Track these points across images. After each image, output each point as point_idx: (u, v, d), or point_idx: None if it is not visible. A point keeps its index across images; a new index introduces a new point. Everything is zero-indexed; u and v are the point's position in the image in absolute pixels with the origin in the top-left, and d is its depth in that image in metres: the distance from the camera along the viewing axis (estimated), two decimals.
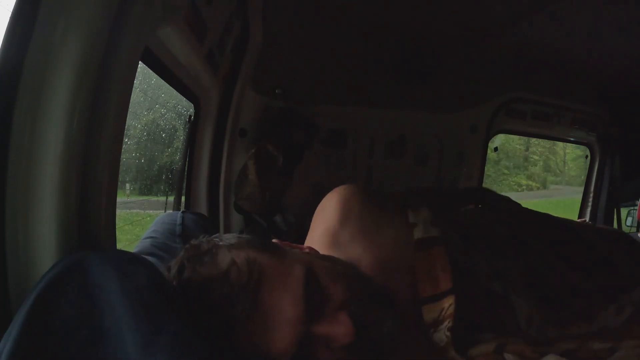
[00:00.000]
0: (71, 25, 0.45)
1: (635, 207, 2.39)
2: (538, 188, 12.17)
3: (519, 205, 0.91)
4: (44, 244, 0.45)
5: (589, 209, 2.21)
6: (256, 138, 1.56)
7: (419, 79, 1.64)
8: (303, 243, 0.66)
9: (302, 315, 0.45)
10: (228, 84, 1.37)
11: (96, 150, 0.50)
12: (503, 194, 0.97)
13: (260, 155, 1.48)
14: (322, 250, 0.60)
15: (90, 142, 0.48)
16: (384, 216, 0.64)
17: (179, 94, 1.19)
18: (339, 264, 0.55)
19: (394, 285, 0.55)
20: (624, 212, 2.23)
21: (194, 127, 1.34)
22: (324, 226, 0.64)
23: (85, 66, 0.46)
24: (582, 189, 2.31)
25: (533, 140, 10.64)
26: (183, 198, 1.43)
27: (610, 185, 2.14)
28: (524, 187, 11.94)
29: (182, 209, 1.36)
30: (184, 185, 1.41)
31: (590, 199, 2.21)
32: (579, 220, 2.06)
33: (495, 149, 2.54)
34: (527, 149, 12.33)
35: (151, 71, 0.94)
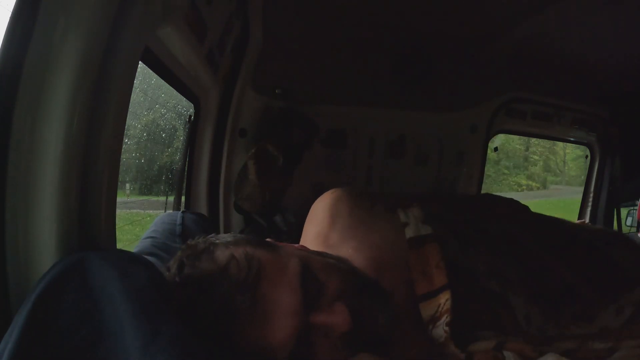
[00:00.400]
0: (71, 25, 0.45)
1: (635, 207, 2.39)
2: (538, 188, 12.18)
3: (525, 207, 0.89)
4: (44, 244, 0.45)
5: (589, 209, 2.21)
6: (256, 138, 1.56)
7: (419, 79, 1.64)
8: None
9: (300, 306, 0.46)
10: (228, 84, 1.37)
11: (96, 150, 0.50)
12: (503, 194, 0.97)
13: (260, 155, 1.48)
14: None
15: (90, 142, 0.48)
16: (375, 217, 0.65)
17: (179, 94, 1.19)
18: (331, 258, 0.56)
19: (388, 285, 0.56)
20: (624, 212, 2.23)
21: (194, 127, 1.34)
22: (315, 230, 0.65)
23: (85, 66, 0.46)
24: (582, 189, 2.31)
25: (533, 140, 10.66)
26: (183, 198, 1.43)
27: (610, 185, 2.14)
28: (524, 187, 11.95)
29: (182, 209, 1.36)
30: (184, 185, 1.41)
31: (590, 199, 2.21)
32: (578, 221, 2.06)
33: (495, 149, 2.54)
34: (527, 149, 12.35)
35: (151, 71, 0.94)
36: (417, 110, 1.82)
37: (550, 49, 1.48)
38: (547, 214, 0.87)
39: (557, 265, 0.67)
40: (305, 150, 1.68)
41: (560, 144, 9.44)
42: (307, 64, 1.53)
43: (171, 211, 1.25)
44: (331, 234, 0.63)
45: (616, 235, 0.89)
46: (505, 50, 1.48)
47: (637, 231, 2.35)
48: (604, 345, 0.51)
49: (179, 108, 1.59)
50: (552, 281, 0.65)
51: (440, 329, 0.53)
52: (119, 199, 0.59)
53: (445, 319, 0.53)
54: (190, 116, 1.35)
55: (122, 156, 0.56)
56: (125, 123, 0.56)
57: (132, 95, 0.57)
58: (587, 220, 2.18)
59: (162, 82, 1.05)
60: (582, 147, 2.35)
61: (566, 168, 12.52)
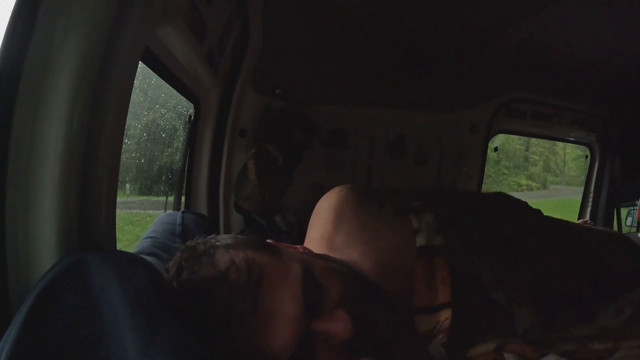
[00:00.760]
0: (71, 25, 0.45)
1: (635, 207, 2.39)
2: (538, 188, 12.17)
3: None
4: (44, 244, 0.45)
5: (589, 209, 2.21)
6: (256, 138, 1.56)
7: (419, 79, 1.64)
8: (303, 243, 0.66)
9: (302, 312, 0.46)
10: (228, 84, 1.37)
11: (96, 150, 0.50)
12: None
13: (260, 155, 1.48)
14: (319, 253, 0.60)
15: (90, 142, 0.48)
16: (383, 220, 0.63)
17: (179, 94, 1.19)
18: (332, 262, 0.55)
19: (390, 289, 0.55)
20: (624, 212, 2.23)
21: (194, 127, 1.34)
22: (319, 231, 0.64)
23: (85, 66, 0.46)
24: (582, 189, 2.31)
25: (533, 140, 10.65)
26: (183, 198, 1.43)
27: (610, 185, 2.14)
28: (524, 187, 11.95)
29: (182, 209, 1.36)
30: (184, 185, 1.41)
31: (590, 199, 2.21)
32: (580, 220, 2.06)
33: (495, 149, 2.54)
34: (527, 149, 12.34)
35: (151, 71, 0.94)
36: (417, 110, 1.82)
37: (550, 49, 1.47)
38: (547, 214, 0.87)
39: (561, 269, 0.67)
40: (305, 150, 1.68)
41: (560, 144, 9.44)
42: (307, 64, 1.53)
43: (171, 211, 1.25)
44: (336, 236, 0.62)
45: (617, 235, 0.89)
46: (505, 50, 1.48)
47: (637, 231, 2.35)
48: (604, 345, 0.51)
49: (179, 108, 1.59)
50: (556, 286, 0.64)
51: (436, 348, 0.53)
52: (119, 199, 0.59)
53: (441, 338, 0.53)
54: (190, 116, 1.35)
55: (122, 156, 0.56)
56: (125, 123, 0.56)
57: (132, 95, 0.57)
58: (588, 220, 2.17)
59: (162, 82, 1.05)
60: (582, 147, 2.35)
61: (566, 168, 12.51)
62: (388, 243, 0.60)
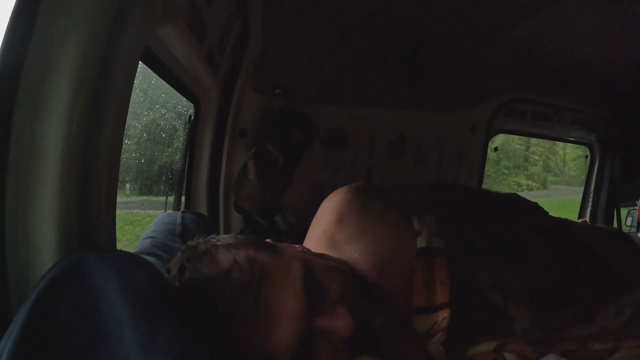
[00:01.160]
0: (71, 25, 0.45)
1: (635, 207, 2.39)
2: (538, 188, 12.18)
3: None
4: (44, 244, 0.45)
5: (589, 209, 2.21)
6: (256, 138, 1.56)
7: (419, 79, 1.64)
8: (302, 243, 0.66)
9: (303, 310, 0.46)
10: (228, 84, 1.37)
11: (96, 150, 0.50)
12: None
13: (260, 155, 1.48)
14: (318, 251, 0.60)
15: (90, 142, 0.48)
16: (386, 220, 0.63)
17: (179, 94, 1.19)
18: (331, 260, 0.56)
19: (389, 289, 0.55)
20: (624, 212, 2.23)
21: (194, 127, 1.34)
22: (321, 227, 0.64)
23: (85, 66, 0.46)
24: (582, 189, 2.31)
25: (533, 140, 10.65)
26: (183, 198, 1.43)
27: (610, 185, 2.14)
28: (524, 187, 11.95)
29: (182, 209, 1.36)
30: (184, 185, 1.41)
31: (590, 199, 2.21)
32: (579, 220, 2.06)
33: (495, 149, 2.54)
34: (527, 149, 12.34)
35: (151, 71, 0.94)
36: (417, 110, 1.82)
37: (550, 49, 1.48)
38: None
39: (562, 269, 0.67)
40: (305, 150, 1.68)
41: (560, 144, 9.43)
42: (307, 64, 1.53)
43: (171, 211, 1.25)
44: (337, 234, 0.62)
45: (617, 234, 0.89)
46: (505, 50, 1.48)
47: (637, 231, 2.35)
48: (604, 345, 0.51)
49: (179, 108, 1.59)
50: (555, 287, 0.64)
51: (434, 347, 0.53)
52: (119, 199, 0.59)
53: (440, 337, 0.53)
54: (190, 116, 1.35)
55: (122, 156, 0.56)
56: (125, 123, 0.56)
57: (132, 95, 0.57)
58: (587, 220, 2.18)
59: (162, 82, 1.05)
60: (582, 147, 2.35)
61: (566, 168, 12.51)
62: (389, 245, 0.60)
